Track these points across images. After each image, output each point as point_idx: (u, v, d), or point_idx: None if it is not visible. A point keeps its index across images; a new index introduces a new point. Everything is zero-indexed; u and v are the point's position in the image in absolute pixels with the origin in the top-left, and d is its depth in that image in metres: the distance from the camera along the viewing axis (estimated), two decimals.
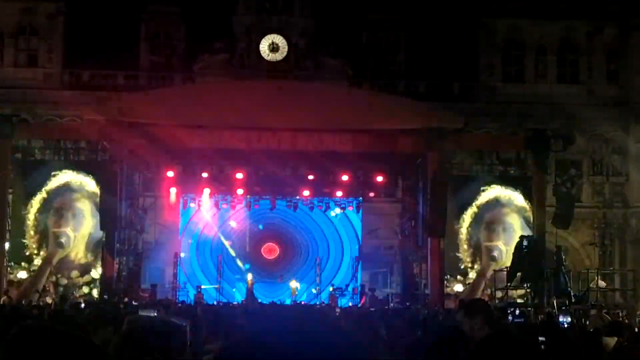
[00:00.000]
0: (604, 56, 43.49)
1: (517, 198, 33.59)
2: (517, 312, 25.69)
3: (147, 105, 32.49)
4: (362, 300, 36.59)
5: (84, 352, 2.55)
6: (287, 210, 39.56)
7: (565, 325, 21.99)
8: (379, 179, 36.36)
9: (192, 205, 39.03)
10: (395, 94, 39.73)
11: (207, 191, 37.65)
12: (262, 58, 42.49)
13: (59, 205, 32.72)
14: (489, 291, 31.91)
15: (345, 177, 35.56)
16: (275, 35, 42.56)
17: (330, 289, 37.70)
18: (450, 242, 33.02)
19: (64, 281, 32.28)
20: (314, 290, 38.34)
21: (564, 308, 27.40)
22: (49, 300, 29.07)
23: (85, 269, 32.71)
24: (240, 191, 37.57)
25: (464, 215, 33.34)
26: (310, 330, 2.30)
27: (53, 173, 32.61)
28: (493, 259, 33.10)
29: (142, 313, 11.02)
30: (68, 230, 32.63)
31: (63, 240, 32.47)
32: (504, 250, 32.90)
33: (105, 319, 8.97)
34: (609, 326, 13.82)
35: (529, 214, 33.05)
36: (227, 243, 39.55)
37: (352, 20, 42.67)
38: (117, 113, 31.56)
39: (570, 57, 43.67)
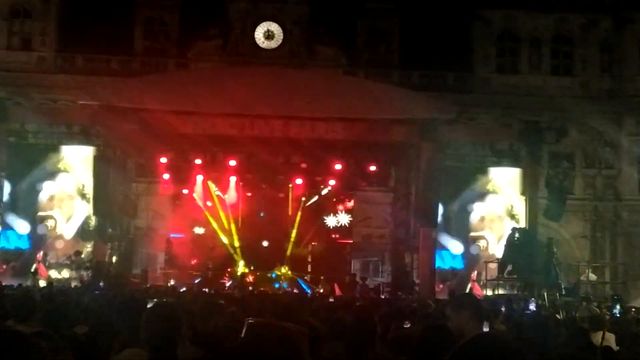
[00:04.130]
0: (597, 49, 43.46)
1: (506, 189, 33.63)
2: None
3: (140, 91, 32.43)
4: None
5: None
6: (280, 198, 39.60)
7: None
8: (372, 168, 36.39)
9: (185, 191, 38.97)
10: (389, 83, 39.63)
11: (200, 178, 37.63)
12: (257, 45, 42.31)
13: (49, 190, 32.72)
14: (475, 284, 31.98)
15: (338, 166, 35.57)
16: (270, 23, 42.40)
17: (322, 277, 37.65)
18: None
19: (52, 265, 32.38)
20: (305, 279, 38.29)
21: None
22: (42, 283, 29.06)
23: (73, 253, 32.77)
24: (233, 178, 37.57)
25: (453, 206, 33.41)
26: None
27: (45, 157, 32.65)
28: (479, 249, 33.12)
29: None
30: (57, 215, 32.64)
31: (51, 224, 32.48)
32: (490, 241, 32.98)
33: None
34: (590, 320, 13.79)
35: (516, 207, 33.12)
36: (219, 230, 39.48)
37: (347, 8, 42.52)
38: (110, 98, 31.51)
39: (564, 49, 43.65)
